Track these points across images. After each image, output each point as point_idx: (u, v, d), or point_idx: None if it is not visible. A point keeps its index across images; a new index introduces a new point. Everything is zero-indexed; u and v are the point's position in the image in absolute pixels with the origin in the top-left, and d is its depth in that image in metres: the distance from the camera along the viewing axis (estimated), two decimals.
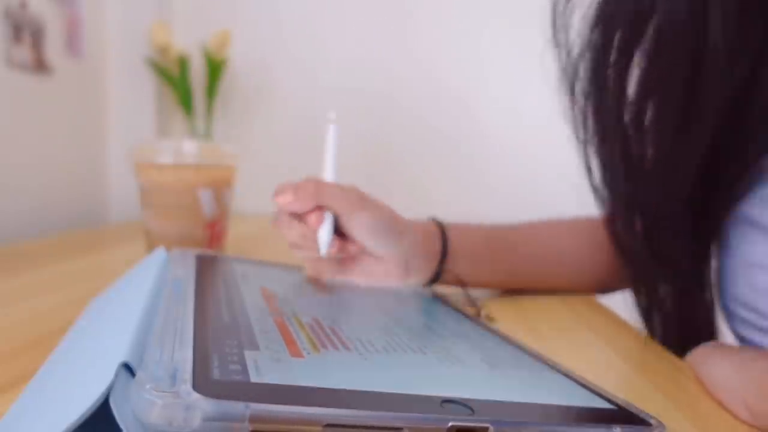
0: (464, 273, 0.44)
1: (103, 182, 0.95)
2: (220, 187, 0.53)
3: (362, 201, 0.39)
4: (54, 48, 0.79)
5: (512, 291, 0.49)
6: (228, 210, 0.55)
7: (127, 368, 0.18)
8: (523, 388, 0.24)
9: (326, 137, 0.42)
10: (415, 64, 1.05)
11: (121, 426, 0.15)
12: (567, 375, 0.27)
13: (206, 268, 0.33)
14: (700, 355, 0.32)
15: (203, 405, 0.15)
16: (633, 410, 0.23)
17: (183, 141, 0.54)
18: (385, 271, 0.41)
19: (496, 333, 0.33)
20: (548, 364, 0.28)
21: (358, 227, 0.39)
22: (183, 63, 0.97)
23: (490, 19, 1.04)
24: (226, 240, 0.56)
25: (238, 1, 1.05)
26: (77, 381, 0.19)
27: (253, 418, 0.15)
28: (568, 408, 0.22)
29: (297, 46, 1.06)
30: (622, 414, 0.22)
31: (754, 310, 0.36)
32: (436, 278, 0.43)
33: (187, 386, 0.15)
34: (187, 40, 1.00)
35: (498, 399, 0.21)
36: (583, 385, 0.25)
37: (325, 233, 0.38)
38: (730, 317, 0.40)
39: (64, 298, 0.41)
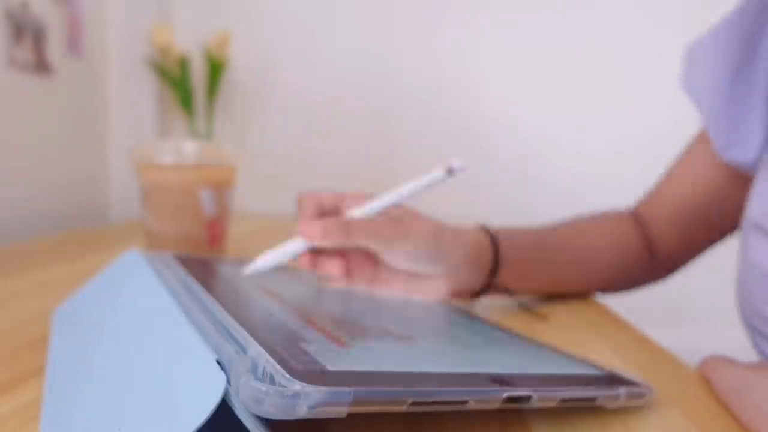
0: (511, 282, 0.42)
1: (103, 182, 0.95)
2: (221, 187, 0.53)
3: (398, 229, 0.36)
4: (55, 48, 0.80)
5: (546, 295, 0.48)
6: (228, 210, 0.55)
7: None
8: (544, 365, 0.28)
9: (426, 175, 0.38)
10: (416, 63, 1.05)
11: (240, 417, 0.16)
12: (572, 356, 0.32)
13: (196, 270, 0.33)
14: (730, 379, 0.29)
15: (311, 393, 0.16)
16: (625, 376, 0.29)
17: (184, 141, 0.54)
18: (433, 289, 0.39)
19: (502, 328, 0.36)
20: (554, 348, 0.33)
21: (397, 261, 0.37)
22: (184, 63, 0.97)
23: (489, 11, 1.04)
24: (226, 240, 0.56)
25: (239, 1, 1.05)
26: (158, 389, 0.19)
27: (354, 402, 0.17)
28: (582, 376, 0.27)
29: (297, 46, 1.06)
30: (619, 378, 0.28)
31: None
32: (484, 290, 0.42)
33: (288, 377, 0.16)
34: (188, 41, 1.00)
35: (530, 372, 0.25)
36: (586, 362, 0.31)
37: (273, 257, 0.36)
38: (752, 332, 0.39)
39: (63, 298, 0.41)
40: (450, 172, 0.37)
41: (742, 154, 0.43)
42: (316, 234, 0.35)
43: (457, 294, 0.41)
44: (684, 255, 0.51)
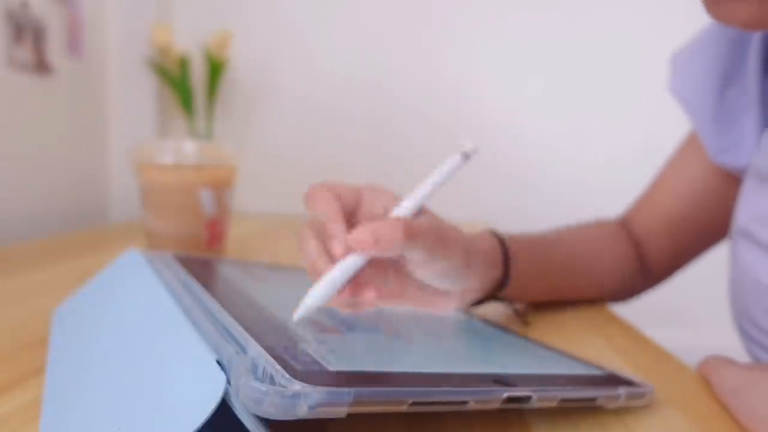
0: (514, 294, 0.41)
1: (103, 182, 0.95)
2: (221, 187, 0.53)
3: (443, 241, 0.31)
4: (55, 48, 0.80)
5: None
6: (228, 210, 0.55)
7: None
8: (544, 365, 0.28)
9: (443, 163, 0.32)
10: (416, 63, 1.05)
11: (240, 417, 0.16)
12: (572, 356, 0.32)
13: (196, 270, 0.33)
14: (729, 380, 0.29)
15: (311, 393, 0.16)
16: (625, 376, 0.29)
17: (183, 141, 0.54)
18: (445, 302, 0.35)
19: (502, 329, 0.36)
20: (554, 348, 0.33)
21: (432, 275, 0.31)
22: (183, 63, 0.97)
23: (489, 19, 1.04)
24: (226, 240, 0.56)
25: (239, 1, 1.05)
26: (159, 387, 0.19)
27: (354, 402, 0.17)
28: (582, 376, 0.27)
29: (297, 46, 1.06)
30: (619, 378, 0.28)
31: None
32: (487, 300, 0.40)
33: (288, 377, 0.17)
34: (188, 41, 1.00)
35: (530, 372, 0.25)
36: (586, 362, 0.31)
37: (326, 290, 0.26)
38: (744, 336, 0.39)
39: (64, 298, 0.41)
40: (466, 156, 0.32)
41: (736, 158, 0.42)
42: (368, 242, 0.27)
43: (465, 305, 0.38)
44: (677, 261, 0.51)
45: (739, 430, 0.26)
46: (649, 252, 0.50)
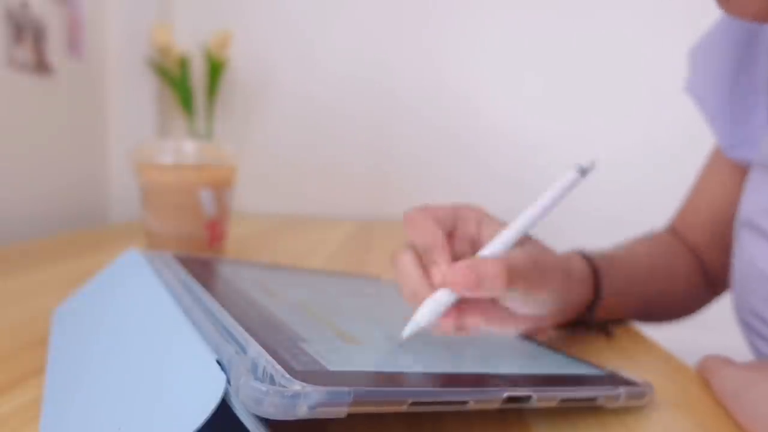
0: (604, 312, 0.40)
1: (103, 182, 0.95)
2: (221, 187, 0.53)
3: (542, 278, 0.30)
4: (55, 48, 0.80)
5: None
6: (228, 210, 0.55)
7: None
8: (544, 365, 0.28)
9: (557, 182, 0.30)
10: (416, 63, 1.05)
11: (240, 417, 0.16)
12: (572, 355, 0.32)
13: (196, 270, 0.33)
14: (727, 380, 0.28)
15: (311, 393, 0.16)
16: (625, 376, 0.29)
17: (183, 141, 0.54)
18: (535, 325, 0.33)
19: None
20: (554, 348, 0.33)
21: (531, 309, 0.31)
22: (184, 63, 0.97)
23: (488, 21, 1.04)
24: (226, 240, 0.56)
25: (239, 1, 1.05)
26: (160, 387, 0.19)
27: (354, 402, 0.17)
28: (581, 376, 0.27)
29: (297, 46, 1.06)
30: (619, 378, 0.28)
31: None
32: (578, 321, 0.39)
33: (288, 377, 0.17)
34: (188, 41, 1.00)
35: (530, 372, 0.25)
36: (586, 362, 0.31)
37: (429, 313, 0.27)
38: (747, 330, 0.39)
39: (64, 298, 0.41)
40: (583, 171, 0.31)
41: (750, 151, 0.42)
42: (471, 283, 0.27)
43: (551, 328, 0.38)
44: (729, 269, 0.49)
45: (739, 430, 0.26)
46: (706, 261, 0.49)
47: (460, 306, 0.29)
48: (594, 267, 0.38)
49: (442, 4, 1.04)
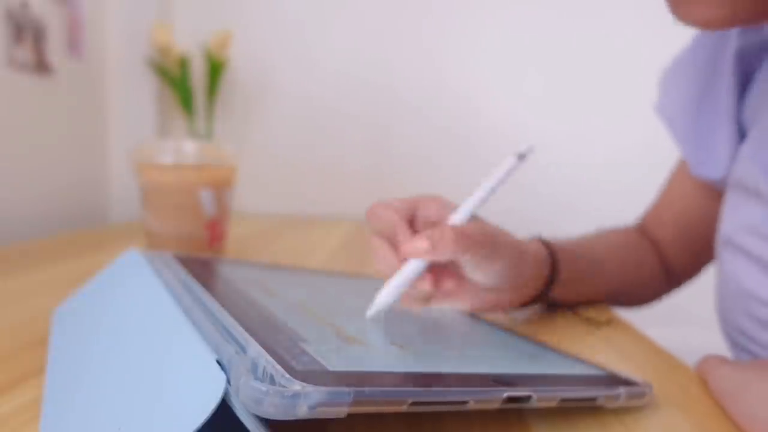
0: (559, 295, 0.42)
1: (103, 182, 0.95)
2: (221, 187, 0.53)
3: (496, 247, 0.34)
4: (55, 48, 0.80)
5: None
6: (228, 210, 0.55)
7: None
8: (544, 365, 0.28)
9: (499, 167, 0.35)
10: (416, 62, 1.05)
11: (240, 417, 0.16)
12: (574, 356, 0.32)
13: (196, 270, 0.33)
14: (725, 380, 0.29)
15: (311, 393, 0.16)
16: (625, 376, 0.29)
17: (183, 141, 0.54)
18: (497, 300, 0.37)
19: (502, 328, 0.36)
20: (554, 348, 0.33)
21: (487, 278, 0.34)
22: (184, 63, 0.97)
23: (489, 20, 1.04)
24: (226, 240, 0.56)
25: (239, 1, 1.05)
26: (158, 388, 0.19)
27: (354, 402, 0.17)
28: (581, 376, 0.27)
29: (297, 46, 1.06)
30: (619, 378, 0.28)
31: (756, 342, 0.36)
32: (533, 302, 0.41)
33: (288, 377, 0.17)
34: (188, 41, 1.00)
35: (530, 372, 0.25)
36: (586, 362, 0.31)
37: (395, 289, 0.31)
38: (733, 346, 0.39)
39: (64, 298, 0.41)
40: (521, 157, 0.34)
41: (713, 171, 0.44)
42: (424, 248, 0.31)
43: (514, 306, 0.40)
44: (696, 263, 0.53)
45: (738, 430, 0.26)
46: (668, 256, 0.52)
47: (429, 276, 0.33)
48: (551, 249, 0.41)
49: (442, 4, 1.04)
